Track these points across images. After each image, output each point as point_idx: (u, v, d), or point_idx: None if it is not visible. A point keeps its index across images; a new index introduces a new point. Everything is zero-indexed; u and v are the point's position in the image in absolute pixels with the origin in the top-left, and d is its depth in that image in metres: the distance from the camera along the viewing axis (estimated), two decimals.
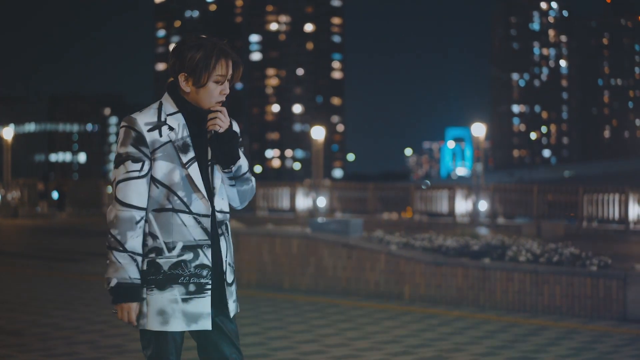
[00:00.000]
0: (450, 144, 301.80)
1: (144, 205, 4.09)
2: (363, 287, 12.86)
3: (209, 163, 4.17)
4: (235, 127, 4.25)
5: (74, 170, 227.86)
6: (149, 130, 4.09)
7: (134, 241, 4.04)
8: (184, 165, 4.10)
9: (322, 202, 35.69)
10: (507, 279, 11.57)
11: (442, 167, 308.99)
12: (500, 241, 12.68)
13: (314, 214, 34.76)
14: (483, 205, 32.36)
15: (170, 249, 4.07)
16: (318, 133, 39.70)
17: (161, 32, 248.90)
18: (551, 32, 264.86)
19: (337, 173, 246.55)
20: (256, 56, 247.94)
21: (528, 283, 11.40)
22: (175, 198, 4.08)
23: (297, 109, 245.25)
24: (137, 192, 4.07)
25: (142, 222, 4.08)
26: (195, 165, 4.12)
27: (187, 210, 4.09)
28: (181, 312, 4.08)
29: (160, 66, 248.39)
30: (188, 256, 4.07)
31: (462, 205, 33.01)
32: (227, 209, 4.25)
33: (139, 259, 4.05)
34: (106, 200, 40.19)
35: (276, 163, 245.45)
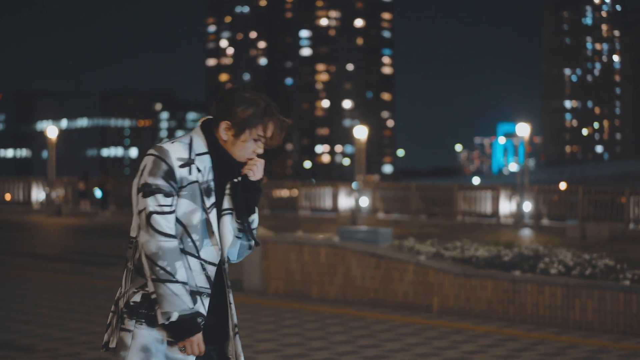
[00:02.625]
0: (502, 140, 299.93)
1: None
2: (391, 297, 12.56)
3: (224, 212, 4.03)
4: None
5: (126, 165, 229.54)
6: (180, 166, 3.94)
7: (184, 271, 3.91)
8: (207, 209, 3.96)
9: (364, 202, 35.40)
10: (538, 292, 11.21)
11: (493, 163, 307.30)
12: (534, 251, 12.29)
13: (356, 213, 34.49)
14: (527, 206, 31.88)
15: None
16: (361, 132, 39.36)
17: (212, 28, 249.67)
18: (604, 27, 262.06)
19: (387, 169, 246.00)
20: (306, 52, 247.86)
21: (559, 297, 11.03)
22: (189, 240, 3.94)
23: (347, 104, 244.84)
24: (172, 225, 3.92)
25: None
26: (215, 211, 3.99)
27: (196, 254, 3.95)
28: (163, 355, 3.92)
29: (211, 62, 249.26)
30: None
31: (506, 206, 32.54)
32: (228, 260, 4.13)
33: (189, 289, 3.93)
34: None
35: (326, 158, 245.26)
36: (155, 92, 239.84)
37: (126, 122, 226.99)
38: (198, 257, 3.94)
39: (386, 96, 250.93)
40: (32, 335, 10.02)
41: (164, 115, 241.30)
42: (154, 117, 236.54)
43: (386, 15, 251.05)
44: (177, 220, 3.93)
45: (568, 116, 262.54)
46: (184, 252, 3.92)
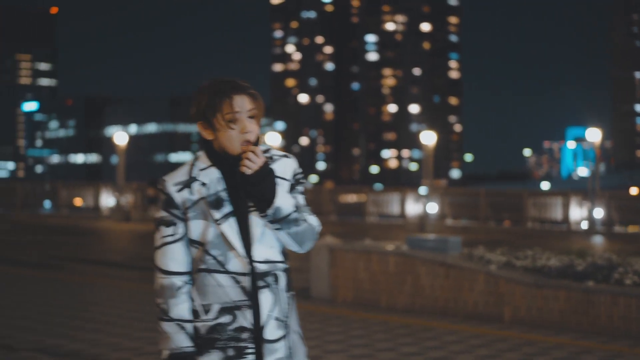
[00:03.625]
0: (571, 144, 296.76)
1: (184, 269, 3.88)
2: (461, 307, 12.36)
3: (249, 211, 3.86)
4: (278, 166, 3.93)
5: None
6: (178, 191, 3.85)
7: (179, 308, 3.84)
8: (217, 222, 3.82)
9: (432, 208, 35.14)
10: (612, 304, 10.93)
11: (562, 168, 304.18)
12: (607, 260, 12.01)
13: (424, 220, 34.24)
14: (599, 213, 31.38)
15: (206, 312, 3.84)
16: (429, 137, 39.09)
17: (278, 33, 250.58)
18: None
19: (455, 174, 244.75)
20: (373, 56, 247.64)
21: (634, 308, 10.75)
22: (209, 257, 3.82)
23: (414, 109, 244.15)
24: (173, 258, 3.87)
25: (186, 287, 3.87)
26: (231, 221, 3.83)
27: (222, 269, 3.82)
28: None
29: (277, 67, 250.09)
30: (225, 319, 3.81)
31: (577, 213, 32.06)
32: (275, 258, 3.90)
33: (189, 325, 3.85)
34: None
35: (393, 163, 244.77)
36: None
37: (194, 127, 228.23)
38: (227, 272, 3.81)
39: (453, 100, 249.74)
40: (101, 345, 10.00)
41: None
42: None
43: (453, 19, 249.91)
44: (195, 242, 3.85)
45: (638, 120, 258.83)
46: (207, 271, 3.81)
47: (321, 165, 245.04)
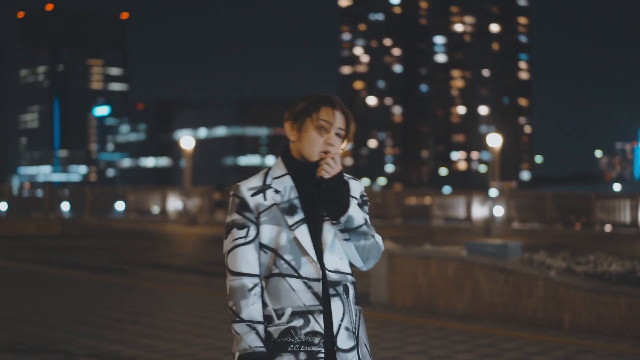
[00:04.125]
0: None
1: (255, 271, 3.94)
2: (520, 313, 12.24)
3: (322, 222, 3.95)
4: (352, 184, 4.03)
5: None
6: (252, 195, 3.95)
7: (250, 309, 3.89)
8: (291, 228, 3.90)
9: (499, 211, 34.87)
10: None
11: (635, 169, 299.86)
12: None
13: (490, 223, 34.00)
14: None
15: (279, 316, 3.88)
16: (496, 140, 38.82)
17: (346, 36, 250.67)
18: None
19: (525, 175, 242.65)
20: (441, 58, 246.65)
21: None
22: (282, 262, 3.90)
23: (482, 110, 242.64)
24: (244, 260, 3.91)
25: (257, 289, 3.92)
26: (304, 227, 3.91)
27: (295, 274, 3.89)
28: None
29: (346, 69, 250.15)
30: (298, 323, 3.86)
31: None
32: (345, 269, 3.97)
33: (260, 326, 3.90)
34: None
35: (462, 165, 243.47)
36: (291, 100, 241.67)
37: (263, 131, 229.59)
38: (299, 277, 3.88)
39: (523, 101, 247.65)
40: (157, 351, 10.08)
41: None
42: None
43: (522, 20, 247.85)
44: (266, 247, 3.91)
45: None
46: (281, 275, 3.87)
47: (389, 168, 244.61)
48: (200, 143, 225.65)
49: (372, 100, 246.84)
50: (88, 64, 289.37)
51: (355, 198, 4.00)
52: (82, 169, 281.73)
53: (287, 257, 3.88)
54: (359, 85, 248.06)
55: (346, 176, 4.02)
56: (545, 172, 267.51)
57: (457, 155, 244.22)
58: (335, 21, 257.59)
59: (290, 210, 3.91)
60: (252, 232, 3.91)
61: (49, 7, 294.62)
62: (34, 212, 42.62)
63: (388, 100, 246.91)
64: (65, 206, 45.24)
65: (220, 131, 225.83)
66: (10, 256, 22.84)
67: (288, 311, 3.86)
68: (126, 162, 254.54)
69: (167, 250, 25.50)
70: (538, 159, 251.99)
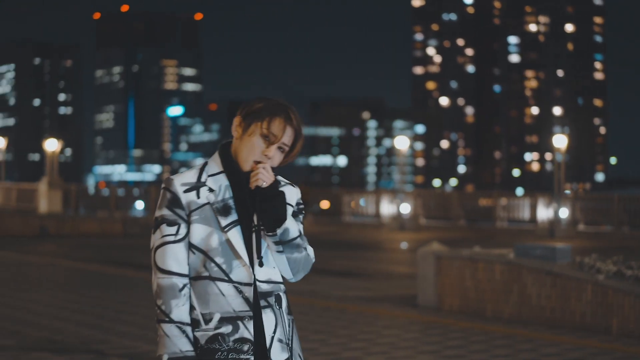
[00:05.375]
0: None
1: (185, 271, 3.76)
2: (568, 318, 11.94)
3: (254, 228, 3.75)
4: (289, 190, 3.85)
5: (334, 173, 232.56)
6: (185, 191, 3.76)
7: (180, 310, 3.73)
8: (223, 229, 3.72)
9: (564, 213, 34.34)
10: None
11: None
12: None
13: (554, 225, 33.50)
14: None
15: (207, 321, 3.71)
16: (561, 141, 38.27)
17: (419, 36, 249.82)
18: None
19: (599, 177, 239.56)
20: (514, 58, 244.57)
21: None
22: (213, 265, 3.72)
23: (556, 111, 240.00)
24: (174, 258, 3.73)
25: (186, 289, 3.74)
26: (237, 229, 3.73)
27: (226, 278, 3.71)
28: None
29: (418, 70, 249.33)
30: (226, 329, 3.69)
31: None
32: (277, 279, 3.81)
33: (189, 329, 3.73)
34: (346, 209, 40.37)
35: (535, 167, 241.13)
36: (363, 101, 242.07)
37: (334, 131, 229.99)
38: (230, 281, 3.71)
39: (598, 102, 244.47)
40: None
41: (372, 124, 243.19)
42: (362, 126, 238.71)
43: (598, 19, 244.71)
44: (195, 248, 3.74)
45: None
46: (210, 278, 3.71)
47: (461, 169, 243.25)
48: None
49: (444, 101, 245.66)
50: (162, 65, 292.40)
51: (291, 205, 3.83)
52: (156, 168, 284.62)
53: (218, 259, 3.72)
54: (431, 85, 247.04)
55: (283, 181, 3.88)
56: (620, 173, 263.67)
57: (530, 157, 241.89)
58: (408, 21, 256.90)
59: (224, 211, 3.74)
60: (183, 230, 3.74)
61: (124, 8, 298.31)
62: (99, 211, 42.98)
63: (460, 101, 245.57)
64: (139, 205, 45.60)
65: None
66: (68, 255, 23.03)
67: (216, 317, 3.71)
68: (199, 162, 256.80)
69: None
70: (612, 160, 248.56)
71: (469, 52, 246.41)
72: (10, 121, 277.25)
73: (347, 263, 21.74)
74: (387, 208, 39.07)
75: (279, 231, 3.69)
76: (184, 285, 3.73)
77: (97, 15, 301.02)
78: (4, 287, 15.43)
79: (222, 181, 3.78)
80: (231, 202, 3.75)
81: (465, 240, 27.07)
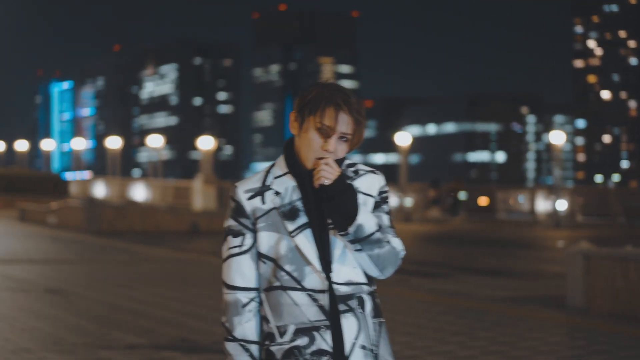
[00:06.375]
0: None
1: (251, 284, 3.55)
2: None
3: (327, 228, 3.49)
4: (364, 181, 3.56)
5: (492, 169, 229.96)
6: (249, 199, 3.54)
7: (244, 327, 3.54)
8: (291, 234, 3.46)
9: None
10: None
11: None
12: None
13: None
14: None
15: (281, 334, 3.49)
16: None
17: (579, 29, 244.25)
18: None
19: None
20: None
21: None
22: (283, 273, 3.48)
23: None
24: (239, 271, 3.56)
25: (252, 304, 3.55)
26: (307, 232, 3.47)
27: (298, 286, 3.47)
28: None
29: (578, 63, 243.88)
30: (302, 341, 3.46)
31: None
32: (359, 279, 3.51)
33: (253, 347, 3.53)
34: (500, 207, 39.65)
35: None
36: (521, 96, 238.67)
37: (492, 126, 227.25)
38: (302, 289, 3.46)
39: None
40: (413, 348, 9.75)
41: (531, 119, 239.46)
42: (520, 121, 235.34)
43: None
44: (265, 257, 3.51)
45: None
46: (282, 288, 3.47)
47: (624, 164, 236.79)
48: (428, 139, 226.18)
49: (606, 95, 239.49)
50: (319, 62, 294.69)
51: (371, 196, 3.54)
52: None
53: (288, 267, 3.48)
54: (592, 79, 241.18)
55: (363, 169, 3.59)
56: None
57: None
58: (568, 13, 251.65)
59: (291, 214, 3.49)
60: (248, 241, 3.54)
61: (282, 7, 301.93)
62: None
63: (623, 94, 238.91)
64: None
65: (450, 127, 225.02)
66: (216, 252, 23.16)
67: (291, 328, 3.47)
68: (356, 159, 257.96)
69: None
70: None
71: (632, 44, 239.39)
72: (173, 120, 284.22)
73: (495, 261, 21.16)
74: (542, 205, 38.14)
75: (351, 229, 3.43)
76: (250, 301, 3.55)
77: (255, 15, 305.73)
78: (148, 284, 15.54)
79: (288, 183, 3.54)
80: (299, 205, 3.51)
81: (623, 239, 26.10)
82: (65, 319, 11.60)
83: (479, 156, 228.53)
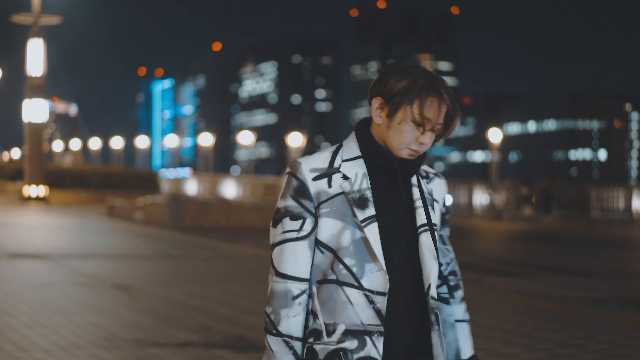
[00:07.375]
0: None
1: (304, 275, 3.16)
2: None
3: (421, 230, 3.19)
4: (434, 186, 3.36)
5: (594, 167, 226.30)
6: (314, 179, 3.17)
7: (290, 322, 3.15)
8: (360, 224, 3.11)
9: None
10: None
11: None
12: None
13: None
14: None
15: (329, 333, 3.12)
16: None
17: None
18: None
19: None
20: None
21: None
22: (341, 267, 3.12)
23: None
24: (293, 259, 3.15)
25: (303, 297, 3.16)
26: (374, 226, 3.11)
27: (355, 284, 3.11)
28: None
29: None
30: (351, 344, 3.10)
31: None
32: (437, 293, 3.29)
33: (297, 344, 3.17)
34: (593, 204, 38.73)
35: None
36: (624, 92, 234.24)
37: (595, 124, 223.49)
38: (360, 287, 3.09)
39: None
40: (479, 349, 9.42)
41: (635, 116, 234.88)
42: (624, 118, 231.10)
43: None
44: (324, 246, 3.13)
45: None
46: (337, 282, 3.10)
47: None
48: (529, 137, 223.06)
49: None
50: (418, 59, 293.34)
51: (436, 201, 3.28)
52: None
53: (348, 261, 3.10)
54: None
55: (431, 172, 3.31)
56: None
57: None
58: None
59: (362, 203, 3.12)
60: (308, 226, 3.14)
61: (381, 5, 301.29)
62: None
63: None
64: None
65: (550, 124, 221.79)
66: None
67: (340, 328, 3.10)
68: (455, 157, 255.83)
69: (463, 245, 24.79)
70: None
71: None
72: (272, 118, 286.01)
73: (577, 260, 20.45)
74: (639, 203, 37.09)
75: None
76: (301, 292, 3.16)
77: (354, 13, 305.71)
78: (219, 281, 15.33)
79: (359, 168, 3.19)
80: (369, 194, 3.15)
81: None
82: (124, 315, 11.45)
83: (580, 154, 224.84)
